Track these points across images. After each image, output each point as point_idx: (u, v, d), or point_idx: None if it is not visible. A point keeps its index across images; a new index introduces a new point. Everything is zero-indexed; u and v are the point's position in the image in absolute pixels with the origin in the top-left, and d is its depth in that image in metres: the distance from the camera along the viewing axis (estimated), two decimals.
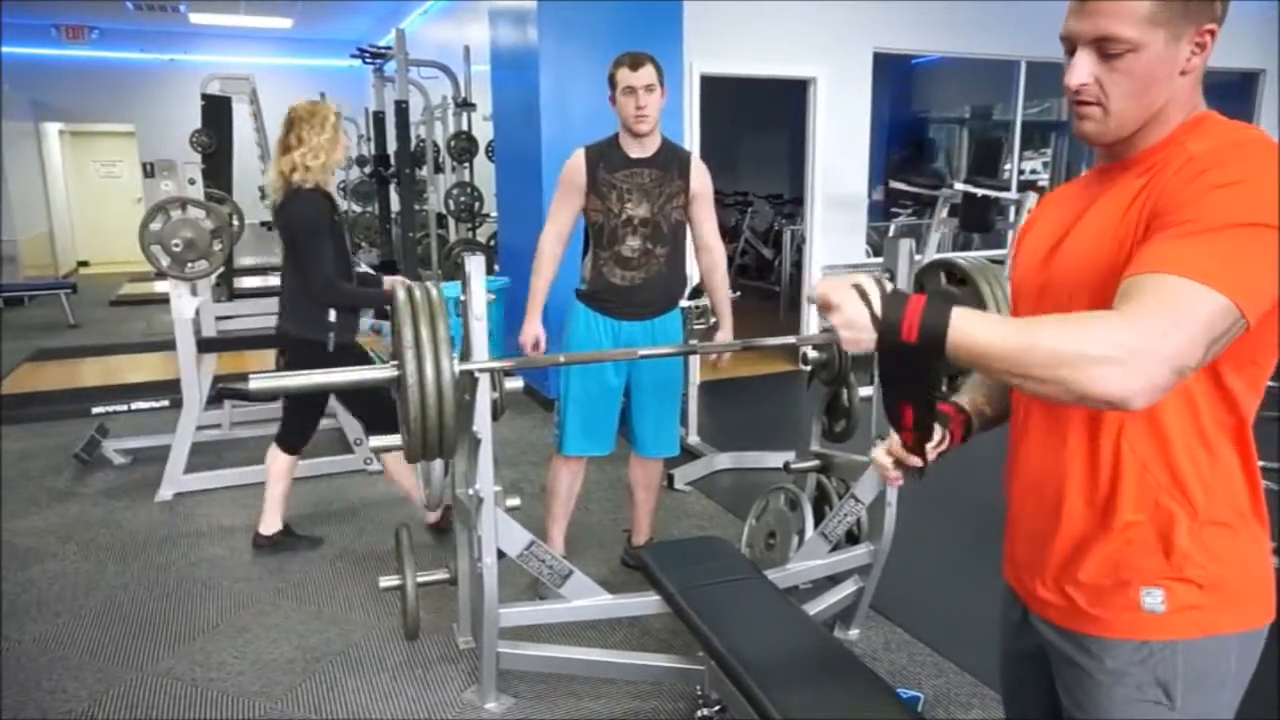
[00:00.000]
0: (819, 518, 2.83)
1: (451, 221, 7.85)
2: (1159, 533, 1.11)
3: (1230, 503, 1.11)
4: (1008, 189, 6.32)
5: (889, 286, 1.02)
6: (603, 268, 2.88)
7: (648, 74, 2.76)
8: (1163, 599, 1.10)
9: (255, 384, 1.86)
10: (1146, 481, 1.11)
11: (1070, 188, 1.26)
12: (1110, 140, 1.12)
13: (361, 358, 3.29)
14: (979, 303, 2.21)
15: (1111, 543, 1.13)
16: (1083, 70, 1.08)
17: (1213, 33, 1.06)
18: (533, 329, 2.94)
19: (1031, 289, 1.22)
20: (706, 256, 3.05)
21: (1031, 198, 5.63)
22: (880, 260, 2.43)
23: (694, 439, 4.52)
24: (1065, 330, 0.95)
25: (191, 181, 4.21)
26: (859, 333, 1.01)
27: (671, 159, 2.89)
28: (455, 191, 7.65)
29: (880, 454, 1.32)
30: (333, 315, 3.16)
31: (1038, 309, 1.20)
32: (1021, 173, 7.83)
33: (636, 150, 2.84)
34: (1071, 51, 1.10)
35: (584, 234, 2.96)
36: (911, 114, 10.31)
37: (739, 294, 4.77)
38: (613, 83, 2.81)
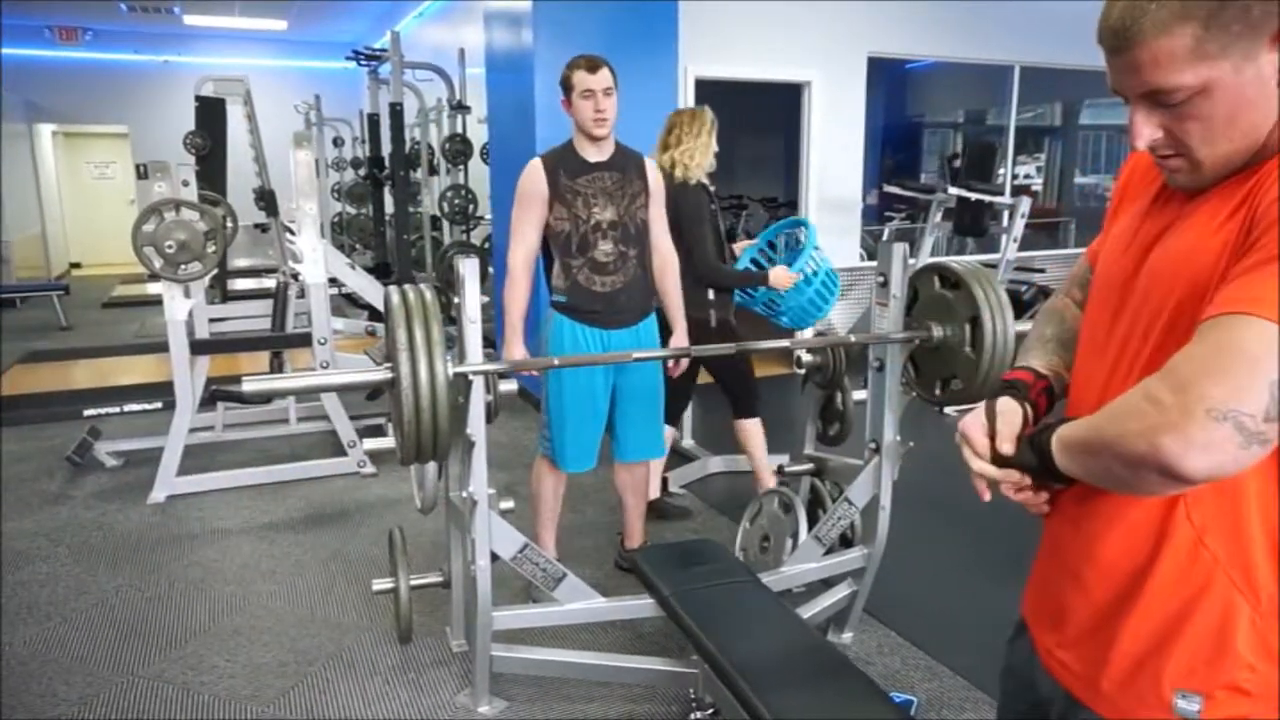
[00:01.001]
0: (813, 521, 2.83)
1: (446, 224, 7.84)
2: (1210, 623, 0.92)
3: None
4: (1001, 193, 6.34)
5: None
6: (578, 276, 2.84)
7: (606, 77, 2.76)
8: (1200, 707, 0.92)
9: (249, 386, 1.86)
10: (1200, 556, 0.92)
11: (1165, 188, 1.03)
12: (1208, 184, 0.94)
13: (733, 333, 3.46)
14: (972, 307, 2.22)
15: (1147, 622, 0.95)
16: (1145, 130, 0.92)
17: None
18: (519, 352, 2.83)
19: (1113, 299, 1.03)
20: (657, 257, 3.01)
21: (1025, 202, 5.64)
22: (875, 264, 2.43)
23: (688, 442, 4.52)
24: (1116, 401, 0.86)
25: (185, 183, 4.19)
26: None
27: (628, 161, 2.89)
28: (449, 194, 7.65)
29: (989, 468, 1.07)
30: (711, 294, 3.42)
31: (1115, 325, 1.02)
32: (1015, 177, 7.86)
33: (594, 154, 2.84)
34: (1127, 99, 0.93)
35: (543, 246, 2.89)
36: (905, 118, 10.34)
37: None
38: (568, 86, 2.79)
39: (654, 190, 2.93)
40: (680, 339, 3.06)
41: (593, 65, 2.76)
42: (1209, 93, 0.87)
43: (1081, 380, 1.09)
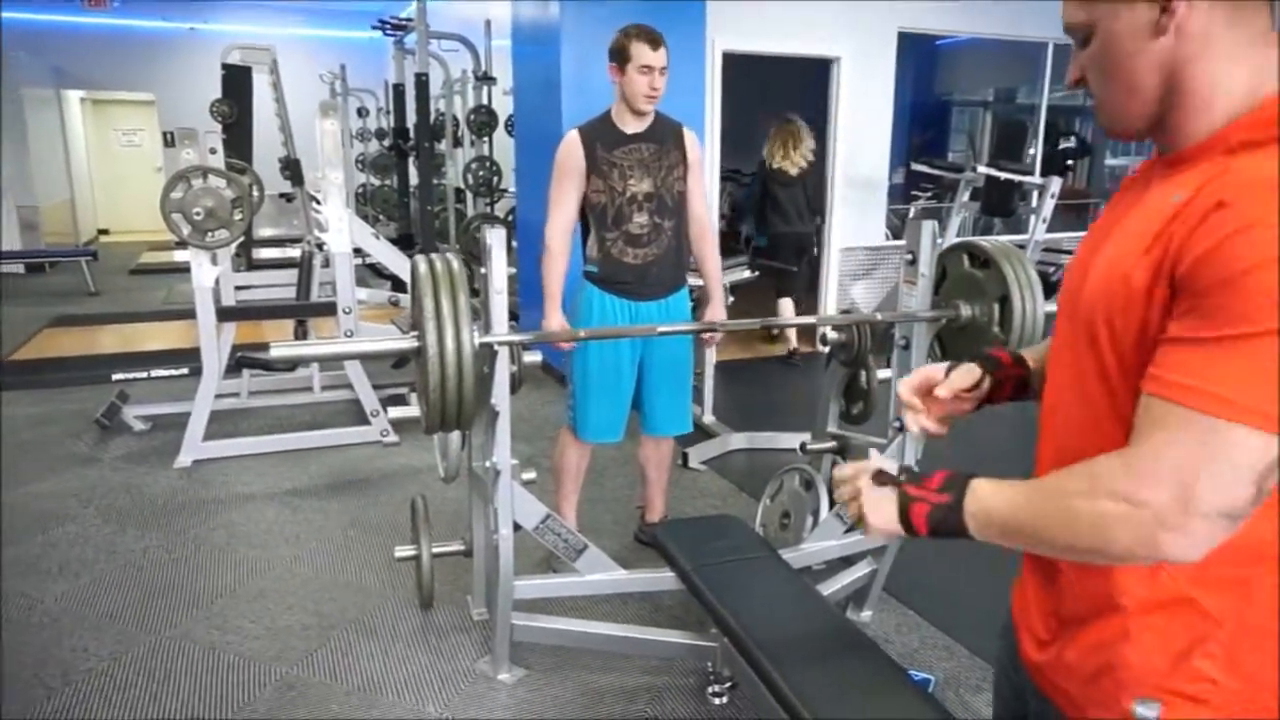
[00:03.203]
0: (833, 499, 2.83)
1: (470, 196, 7.84)
2: (1173, 636, 0.91)
3: None
4: (1031, 173, 6.26)
5: (892, 468, 1.04)
6: (611, 248, 2.84)
7: (664, 55, 2.73)
8: (1158, 713, 0.92)
9: (276, 352, 1.88)
10: (1158, 575, 0.90)
11: (1132, 179, 1.03)
12: (1121, 135, 0.97)
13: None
14: (1002, 285, 2.19)
15: (1107, 629, 0.95)
16: (1073, 67, 0.97)
17: None
18: (557, 321, 2.86)
19: (1061, 312, 1.04)
20: (695, 226, 3.00)
21: (1055, 182, 5.57)
22: (901, 243, 2.40)
23: (709, 418, 4.52)
24: (1072, 484, 0.86)
25: (212, 151, 4.21)
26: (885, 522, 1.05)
27: (666, 131, 2.86)
28: (474, 166, 7.64)
29: (906, 391, 1.20)
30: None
31: (1059, 338, 1.04)
32: (1060, 155, 7.73)
33: (633, 126, 2.81)
34: None
35: (581, 216, 2.90)
36: (934, 95, 10.20)
37: (757, 274, 4.76)
38: (624, 55, 2.73)
39: (692, 161, 2.90)
40: (716, 310, 3.03)
41: (654, 41, 2.72)
42: (1097, 36, 0.91)
43: (1047, 401, 1.07)
